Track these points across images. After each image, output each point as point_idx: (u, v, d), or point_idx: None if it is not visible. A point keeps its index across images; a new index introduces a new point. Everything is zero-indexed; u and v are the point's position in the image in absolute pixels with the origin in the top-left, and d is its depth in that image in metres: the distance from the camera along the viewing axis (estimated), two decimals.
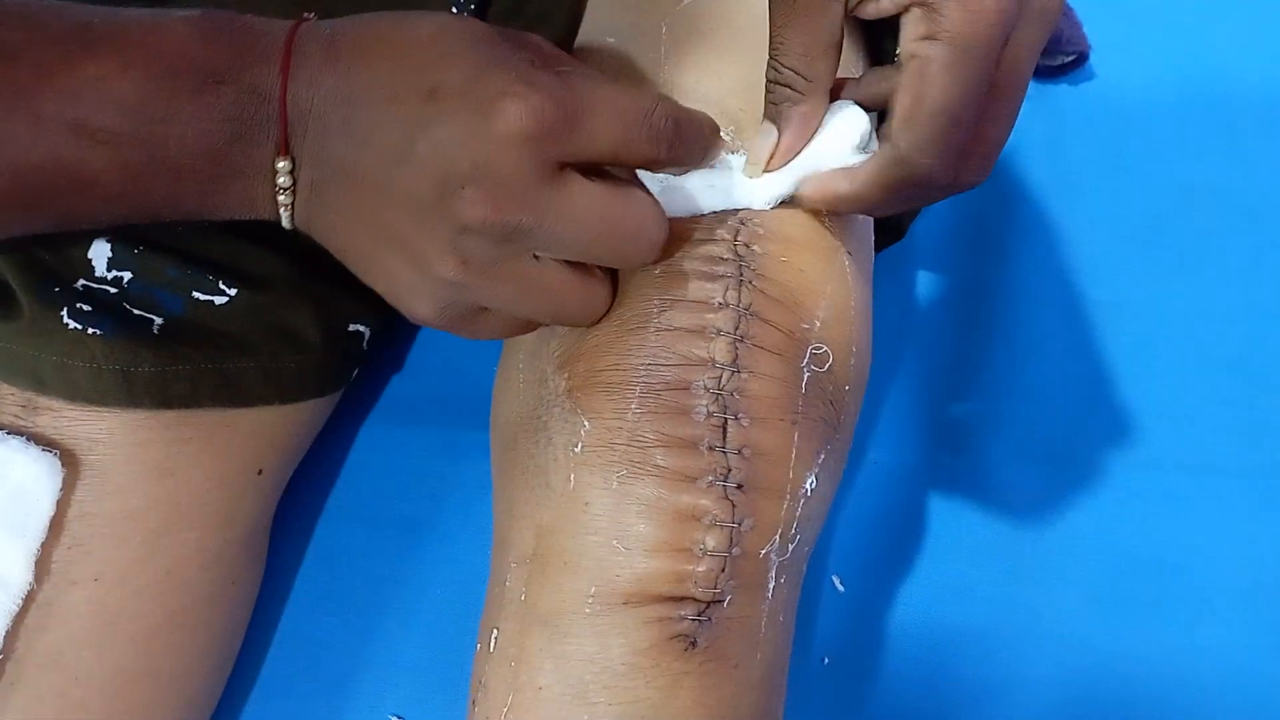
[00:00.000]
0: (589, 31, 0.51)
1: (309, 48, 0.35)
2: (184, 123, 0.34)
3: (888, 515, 0.63)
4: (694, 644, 0.38)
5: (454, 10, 0.50)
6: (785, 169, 0.40)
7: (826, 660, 0.59)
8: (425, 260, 0.35)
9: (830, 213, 0.41)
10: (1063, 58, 0.76)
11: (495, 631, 0.41)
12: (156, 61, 0.34)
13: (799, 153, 0.40)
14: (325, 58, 0.35)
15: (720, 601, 0.38)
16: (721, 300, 0.40)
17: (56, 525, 0.46)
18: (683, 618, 0.38)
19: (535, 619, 0.39)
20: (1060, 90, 0.77)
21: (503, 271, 0.35)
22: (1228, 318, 0.69)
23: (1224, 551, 0.62)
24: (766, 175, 0.40)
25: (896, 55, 0.38)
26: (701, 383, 0.39)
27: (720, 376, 0.39)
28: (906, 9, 0.35)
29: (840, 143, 0.39)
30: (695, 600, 0.38)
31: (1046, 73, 0.77)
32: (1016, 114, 0.38)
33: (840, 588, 0.61)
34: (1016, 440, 0.65)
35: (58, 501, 0.46)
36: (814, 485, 0.40)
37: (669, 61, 0.45)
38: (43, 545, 0.45)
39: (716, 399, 0.38)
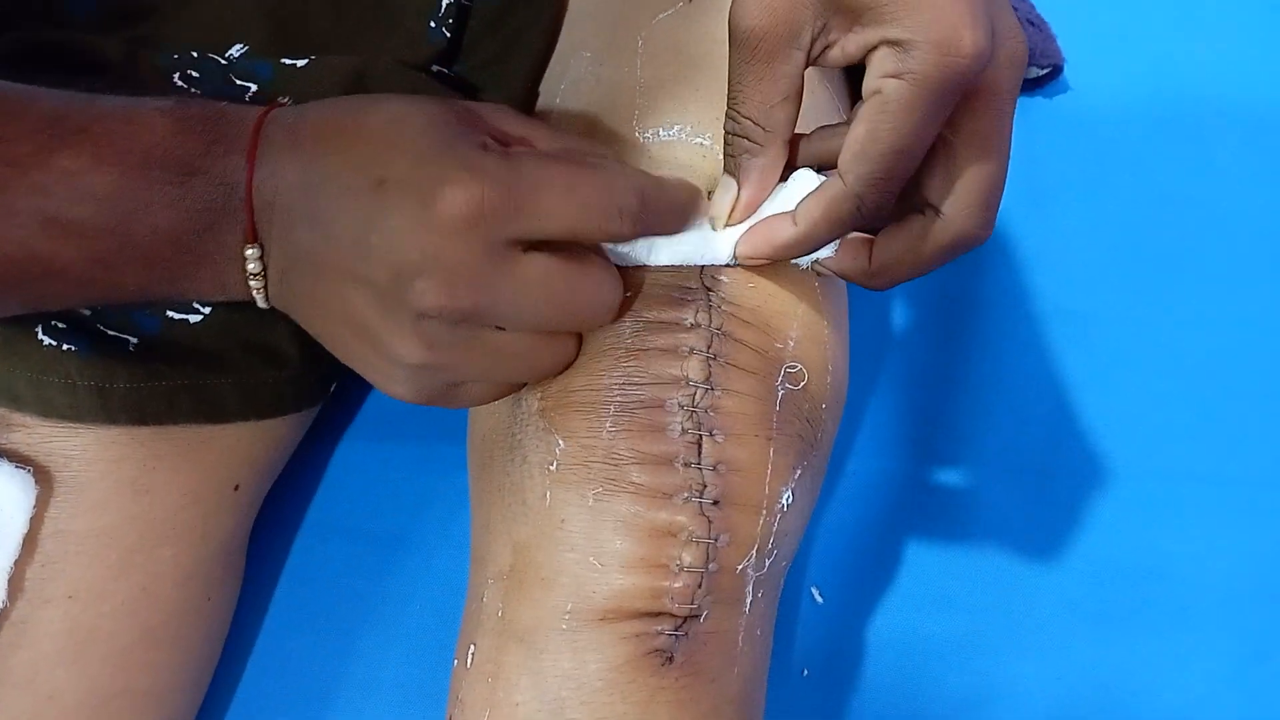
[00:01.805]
0: (565, 46, 0.51)
1: (274, 137, 0.36)
2: (156, 214, 0.34)
3: (866, 527, 0.63)
4: (670, 659, 0.38)
5: (431, 25, 0.50)
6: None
7: (806, 672, 0.59)
8: (391, 348, 0.36)
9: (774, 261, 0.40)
10: (1037, 70, 0.76)
11: (472, 648, 0.41)
12: (130, 154, 0.34)
13: (760, 206, 0.39)
14: (287, 147, 0.36)
15: (697, 617, 0.38)
16: (693, 321, 0.40)
17: (30, 543, 0.46)
18: (659, 633, 0.38)
19: (512, 635, 0.39)
20: (1035, 103, 0.77)
21: (468, 347, 0.36)
22: (1204, 328, 0.70)
23: (1202, 559, 0.63)
24: (729, 230, 0.40)
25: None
26: (675, 400, 0.39)
27: (694, 394, 0.39)
28: (874, 47, 0.34)
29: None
30: (672, 616, 0.38)
31: (1021, 85, 0.77)
32: (1002, 167, 0.37)
33: (819, 599, 0.61)
34: (994, 451, 0.65)
35: (31, 519, 0.45)
36: (790, 501, 0.40)
37: (645, 75, 0.45)
38: (16, 563, 0.45)
39: (691, 415, 0.39)
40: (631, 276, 0.40)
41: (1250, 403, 0.68)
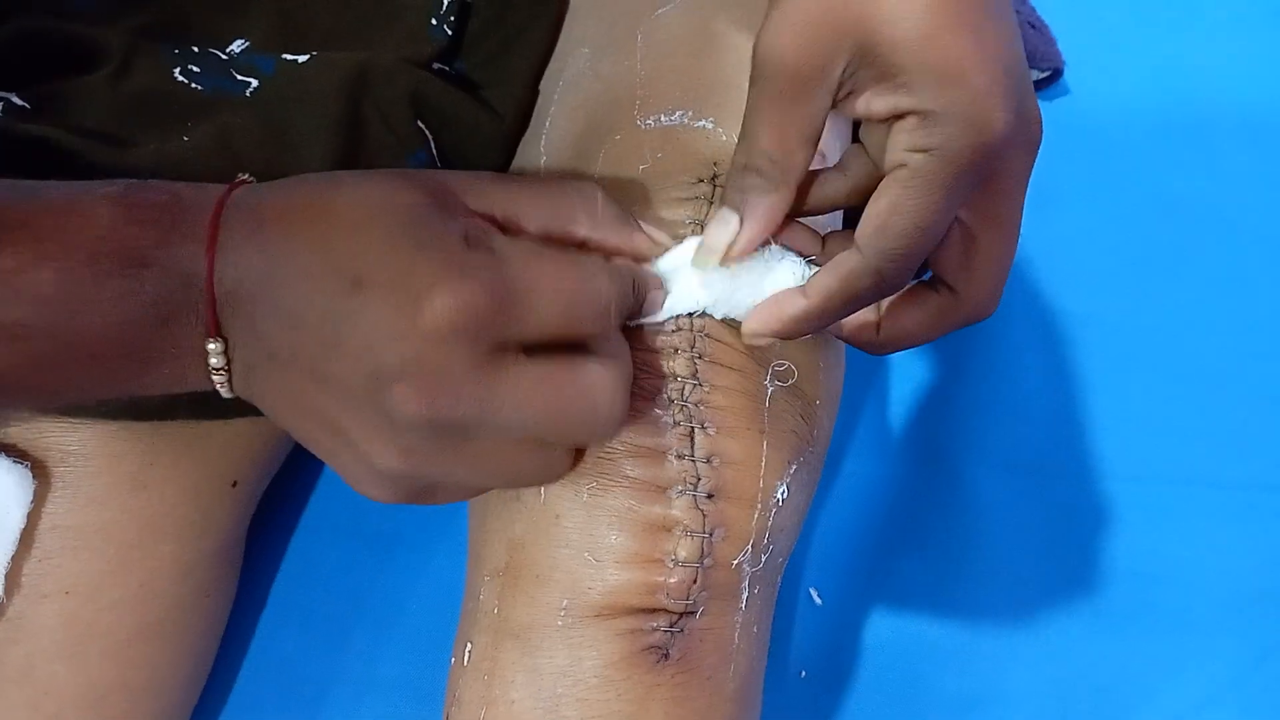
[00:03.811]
0: (565, 43, 0.51)
1: (235, 223, 0.33)
2: (104, 311, 0.32)
3: (865, 527, 0.63)
4: (666, 656, 0.38)
5: (433, 22, 0.50)
6: (722, 294, 0.38)
7: (803, 674, 0.59)
8: (366, 453, 0.33)
9: (779, 337, 0.38)
10: (1037, 73, 0.76)
11: (469, 645, 0.41)
12: (76, 250, 0.31)
13: (757, 248, 0.37)
14: (250, 233, 0.33)
15: (693, 613, 0.38)
16: (675, 326, 0.40)
17: (27, 538, 0.46)
18: (655, 629, 0.38)
19: (508, 632, 0.39)
20: None
21: (448, 457, 0.33)
22: (1204, 330, 0.70)
23: (1202, 563, 0.63)
24: (692, 283, 0.38)
25: (856, 140, 0.37)
26: (665, 394, 0.39)
27: (683, 388, 0.39)
28: (901, 115, 0.32)
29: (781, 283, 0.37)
30: (667, 612, 0.38)
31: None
32: (1013, 247, 0.36)
33: (818, 600, 0.61)
34: (994, 452, 0.66)
35: (29, 514, 0.45)
36: (785, 495, 0.40)
37: (646, 68, 0.45)
38: (13, 558, 0.45)
39: (682, 409, 0.39)
40: None
41: (1251, 406, 0.68)
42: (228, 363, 0.34)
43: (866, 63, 0.32)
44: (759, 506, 0.39)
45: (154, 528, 0.49)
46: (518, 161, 0.50)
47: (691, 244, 0.38)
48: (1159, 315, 0.70)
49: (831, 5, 0.32)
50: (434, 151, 0.49)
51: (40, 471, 0.46)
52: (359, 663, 0.58)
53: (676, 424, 0.38)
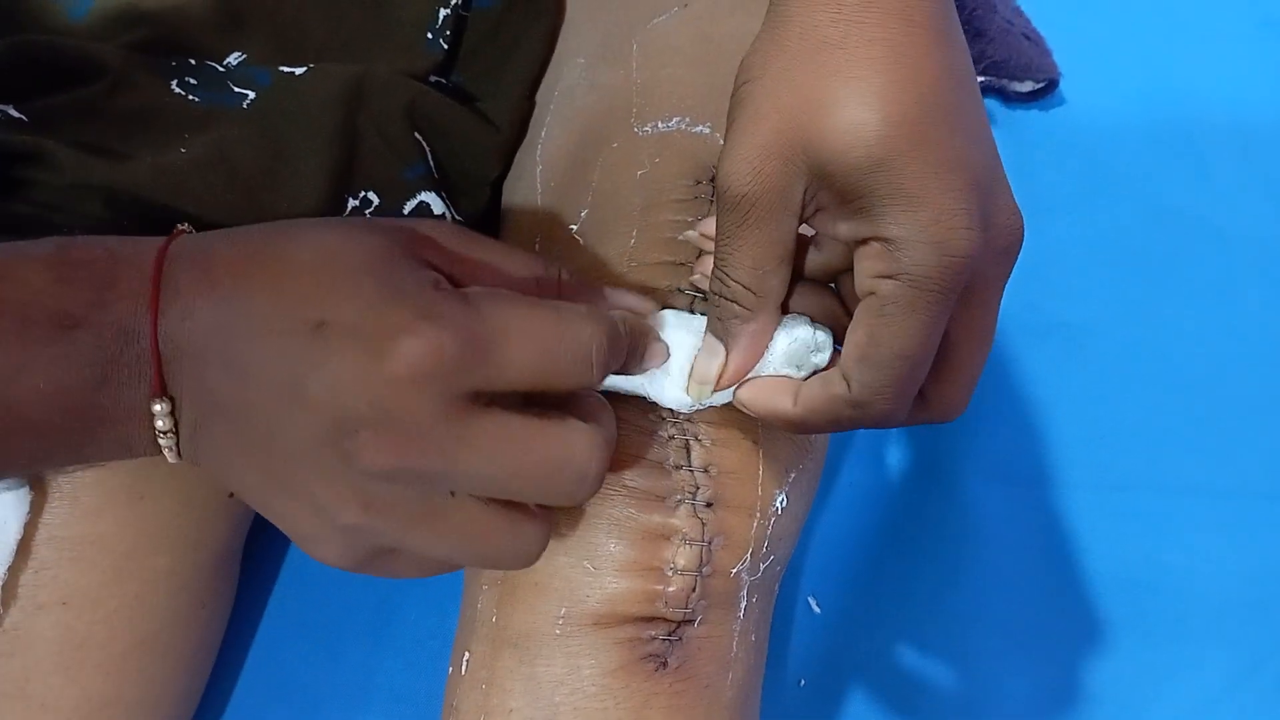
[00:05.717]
0: (562, 54, 0.51)
1: (179, 276, 0.32)
2: (37, 376, 0.30)
3: (863, 536, 0.63)
4: (664, 664, 0.38)
5: (429, 36, 0.50)
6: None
7: (802, 682, 0.59)
8: (323, 507, 0.31)
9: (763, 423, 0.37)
10: (1033, 84, 0.77)
11: (467, 654, 0.41)
12: (3, 315, 0.30)
13: (748, 375, 0.36)
14: (199, 285, 0.31)
15: (691, 621, 0.38)
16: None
17: (24, 549, 0.45)
18: (653, 638, 0.38)
19: (506, 641, 0.39)
20: (1030, 116, 0.78)
21: (413, 513, 0.31)
22: (1196, 339, 0.70)
23: (1196, 571, 0.63)
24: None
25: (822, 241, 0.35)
26: (658, 412, 0.39)
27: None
28: (864, 241, 0.31)
29: (793, 361, 0.36)
30: (666, 620, 0.38)
31: (1017, 99, 0.78)
32: (987, 353, 0.35)
33: (816, 609, 0.61)
34: (990, 461, 0.66)
35: (25, 525, 0.45)
36: (784, 504, 0.40)
37: (642, 76, 0.45)
38: (9, 569, 0.45)
39: (675, 424, 0.39)
40: None
41: (1243, 415, 0.68)
42: (175, 425, 0.32)
43: (824, 185, 0.31)
44: (758, 515, 0.39)
45: (150, 539, 0.49)
46: (514, 172, 0.51)
47: (674, 316, 0.38)
48: (1152, 325, 0.71)
49: (782, 130, 0.31)
50: (431, 164, 0.49)
51: (36, 482, 0.46)
52: (356, 673, 0.58)
53: (672, 437, 0.39)
